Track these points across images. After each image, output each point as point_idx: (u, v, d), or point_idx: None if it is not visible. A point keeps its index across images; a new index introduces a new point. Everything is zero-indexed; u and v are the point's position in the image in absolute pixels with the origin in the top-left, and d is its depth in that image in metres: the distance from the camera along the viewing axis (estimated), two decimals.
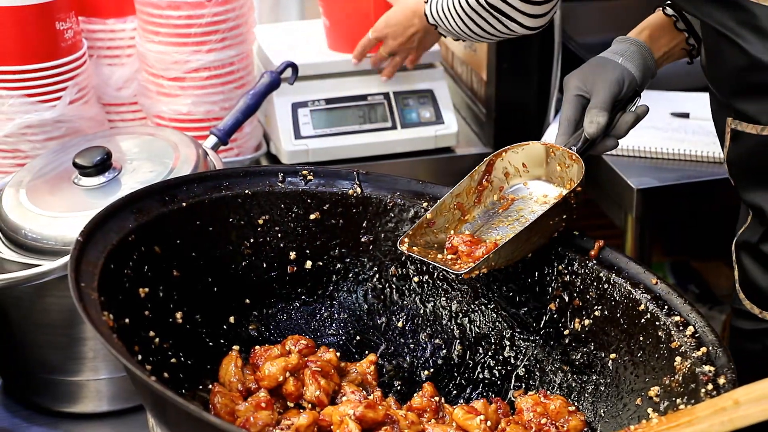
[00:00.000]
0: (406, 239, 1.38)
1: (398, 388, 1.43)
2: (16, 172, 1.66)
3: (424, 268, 1.46)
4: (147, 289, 1.30)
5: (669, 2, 1.58)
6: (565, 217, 1.36)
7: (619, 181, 1.91)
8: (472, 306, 1.44)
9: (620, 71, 1.51)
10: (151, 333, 1.29)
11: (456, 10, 1.67)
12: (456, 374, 1.43)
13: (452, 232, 1.41)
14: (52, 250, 1.49)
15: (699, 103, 2.07)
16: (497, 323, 1.42)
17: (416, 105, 2.04)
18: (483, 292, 1.44)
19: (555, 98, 2.08)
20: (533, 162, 1.44)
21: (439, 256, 1.38)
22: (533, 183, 1.45)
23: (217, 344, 1.37)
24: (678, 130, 2.02)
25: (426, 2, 1.76)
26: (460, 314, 1.45)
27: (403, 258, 1.47)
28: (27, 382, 1.58)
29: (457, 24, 1.68)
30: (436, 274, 1.46)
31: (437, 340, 1.45)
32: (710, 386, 1.17)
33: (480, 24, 1.65)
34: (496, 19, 1.61)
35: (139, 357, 1.22)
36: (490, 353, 1.42)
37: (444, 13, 1.71)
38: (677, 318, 1.27)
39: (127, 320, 1.23)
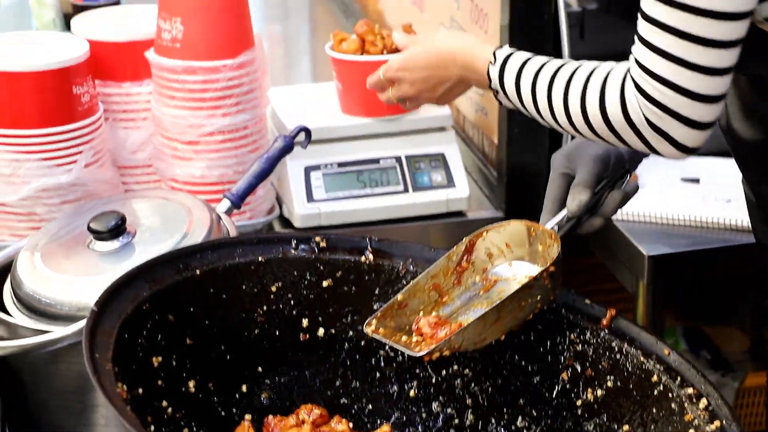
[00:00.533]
0: (374, 321, 1.36)
1: None
2: (31, 236, 1.67)
3: None
4: (160, 358, 1.30)
5: None
6: (539, 297, 1.34)
7: (630, 247, 1.91)
8: (485, 375, 1.44)
9: (605, 148, 1.46)
10: (164, 403, 1.29)
11: (557, 109, 1.39)
12: None
13: (421, 313, 1.39)
14: (65, 316, 1.50)
15: (710, 168, 2.08)
16: (510, 392, 1.42)
17: (428, 168, 2.04)
18: (495, 361, 1.43)
19: None
20: (516, 242, 1.42)
21: (404, 338, 1.36)
22: (517, 263, 1.43)
23: (229, 413, 1.37)
24: (689, 195, 2.02)
25: (493, 63, 1.48)
26: (473, 383, 1.44)
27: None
28: None
29: (544, 114, 1.43)
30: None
31: (449, 410, 1.45)
32: None
33: (604, 137, 1.37)
34: (641, 136, 1.32)
35: (152, 428, 1.22)
36: (502, 423, 1.42)
37: (524, 95, 1.44)
38: (690, 390, 1.27)
39: (140, 390, 1.24)
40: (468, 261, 1.43)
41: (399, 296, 1.39)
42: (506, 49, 1.49)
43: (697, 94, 1.25)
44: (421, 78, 1.61)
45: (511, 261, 1.43)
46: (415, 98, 1.66)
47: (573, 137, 1.46)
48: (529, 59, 1.45)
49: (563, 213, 1.44)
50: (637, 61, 1.27)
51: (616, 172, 1.49)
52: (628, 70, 1.29)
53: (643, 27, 1.26)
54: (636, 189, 1.51)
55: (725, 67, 1.25)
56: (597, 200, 1.46)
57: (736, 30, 1.23)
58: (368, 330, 1.36)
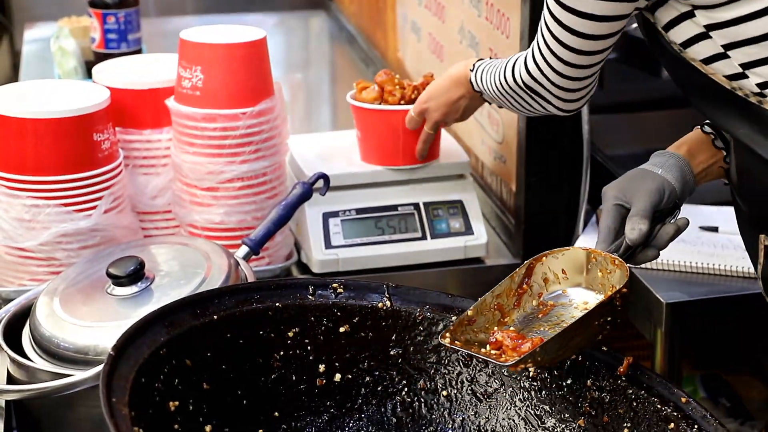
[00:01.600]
0: (447, 334, 1.38)
1: None
2: (51, 281, 1.68)
3: (453, 383, 1.47)
4: (177, 402, 1.30)
5: (707, 121, 1.59)
6: (609, 319, 1.35)
7: (649, 295, 1.91)
8: (501, 420, 1.44)
9: (660, 181, 1.52)
10: None
11: (497, 85, 1.74)
12: None
13: (495, 328, 1.40)
14: (84, 360, 1.51)
15: (728, 216, 2.07)
16: None
17: (446, 215, 2.05)
18: (511, 406, 1.44)
19: (584, 209, 2.08)
20: (573, 268, 1.44)
21: (482, 350, 1.37)
22: (573, 290, 1.44)
23: None
24: (707, 244, 2.02)
25: (472, 70, 1.83)
26: (489, 428, 1.44)
27: (432, 371, 1.47)
28: None
29: (498, 97, 1.76)
30: (464, 387, 1.47)
31: None
32: None
33: (519, 101, 1.72)
34: (533, 99, 1.68)
35: None
36: None
37: (488, 85, 1.78)
38: None
39: None
40: (527, 284, 1.45)
41: (469, 312, 1.40)
42: (481, 61, 1.84)
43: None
44: (443, 103, 1.92)
45: (566, 288, 1.45)
46: (444, 121, 1.96)
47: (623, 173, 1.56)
48: (491, 62, 1.80)
49: (620, 242, 1.47)
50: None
51: (668, 205, 1.52)
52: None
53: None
54: (687, 223, 1.53)
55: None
56: (650, 232, 1.47)
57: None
58: (444, 341, 1.37)
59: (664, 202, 1.51)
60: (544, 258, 1.45)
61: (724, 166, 1.58)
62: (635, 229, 1.45)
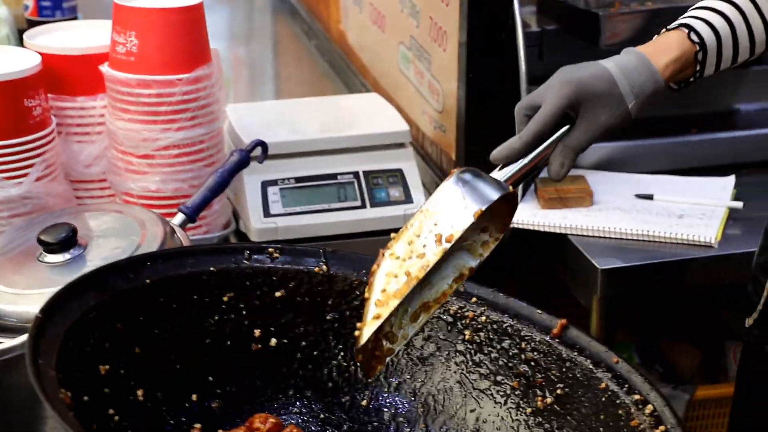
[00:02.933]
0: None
1: None
2: None
3: None
4: (107, 366, 1.28)
5: (693, 26, 1.47)
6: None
7: (584, 261, 1.92)
8: (437, 384, 1.44)
9: (620, 114, 1.41)
10: (111, 411, 1.27)
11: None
12: None
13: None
14: (14, 328, 1.48)
15: (662, 185, 2.10)
16: (461, 399, 1.42)
17: (386, 184, 2.05)
18: (447, 369, 1.44)
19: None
20: None
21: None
22: None
23: (178, 422, 1.35)
24: (642, 211, 2.04)
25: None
26: (425, 391, 1.44)
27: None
28: None
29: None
30: (400, 351, 1.46)
31: (401, 419, 1.44)
32: None
33: None
34: None
35: None
36: (453, 429, 1.42)
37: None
38: (637, 396, 1.27)
39: (86, 398, 1.22)
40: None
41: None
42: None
43: None
44: None
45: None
46: None
47: None
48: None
49: (523, 163, 1.38)
50: None
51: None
52: None
53: None
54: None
55: None
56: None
57: None
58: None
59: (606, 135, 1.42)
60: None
61: (686, 82, 1.49)
62: (564, 165, 1.38)
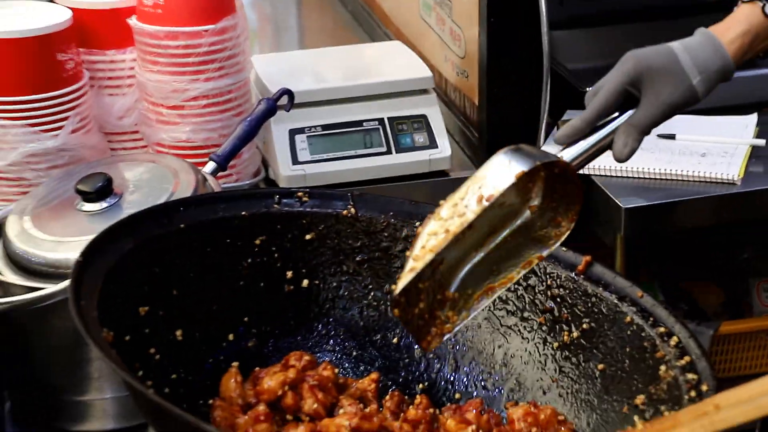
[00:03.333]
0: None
1: None
2: (20, 200, 1.68)
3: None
4: (147, 308, 1.32)
5: None
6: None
7: (608, 201, 1.92)
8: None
9: (684, 94, 1.39)
10: (152, 350, 1.31)
11: None
12: (450, 387, 1.45)
13: None
14: (55, 274, 1.50)
15: (684, 124, 2.09)
16: (489, 335, 1.44)
17: (411, 130, 2.05)
18: None
19: (545, 122, 2.09)
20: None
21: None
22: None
23: (216, 361, 1.39)
24: (664, 150, 2.03)
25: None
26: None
27: (397, 276, 1.48)
28: (35, 404, 1.59)
29: None
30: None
31: (431, 355, 1.47)
32: (693, 393, 1.19)
33: None
34: None
35: (140, 373, 1.24)
36: (482, 366, 1.44)
37: None
38: (662, 329, 1.29)
39: (127, 338, 1.25)
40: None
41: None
42: None
43: None
44: None
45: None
46: None
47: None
48: None
49: (588, 143, 1.39)
50: None
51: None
52: None
53: None
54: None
55: None
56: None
57: None
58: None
59: (672, 114, 1.41)
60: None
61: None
62: (627, 145, 1.37)
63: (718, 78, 1.42)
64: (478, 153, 2.14)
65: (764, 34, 1.44)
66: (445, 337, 1.35)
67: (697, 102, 1.43)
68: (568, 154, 1.39)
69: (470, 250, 1.37)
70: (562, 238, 1.36)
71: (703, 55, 1.42)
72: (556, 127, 2.11)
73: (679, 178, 1.96)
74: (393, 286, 1.33)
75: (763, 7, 1.44)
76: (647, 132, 1.40)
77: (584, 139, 1.41)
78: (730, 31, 1.44)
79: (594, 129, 1.41)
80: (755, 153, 2.05)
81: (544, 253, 1.36)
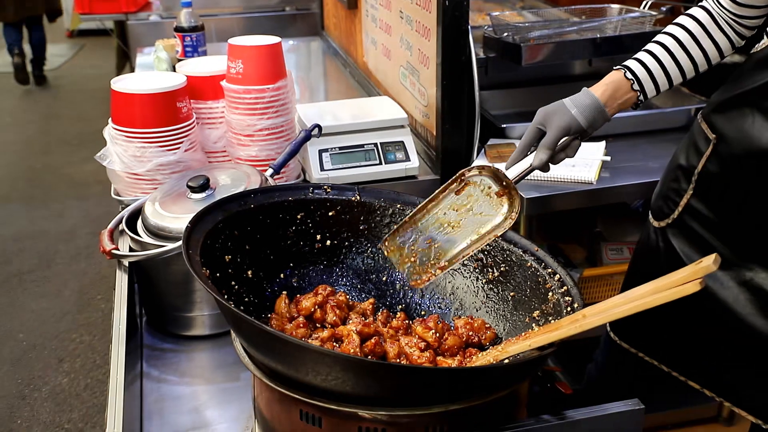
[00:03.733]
0: (386, 241, 1.35)
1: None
2: (153, 192, 1.64)
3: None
4: (230, 257, 1.28)
5: (625, 64, 1.38)
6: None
7: None
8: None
9: (569, 120, 1.35)
10: (233, 283, 1.27)
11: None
12: (418, 308, 1.41)
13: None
14: (174, 237, 1.48)
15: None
16: (443, 276, 1.40)
17: (394, 150, 2.01)
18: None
19: (476, 146, 2.06)
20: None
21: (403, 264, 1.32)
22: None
23: (272, 291, 1.35)
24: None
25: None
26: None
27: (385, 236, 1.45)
28: (162, 316, 1.56)
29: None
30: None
31: (407, 288, 1.43)
32: (569, 309, 1.16)
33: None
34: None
35: (226, 297, 1.20)
36: (438, 295, 1.40)
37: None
38: (549, 270, 1.26)
39: (218, 275, 1.22)
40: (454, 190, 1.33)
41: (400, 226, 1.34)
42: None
43: None
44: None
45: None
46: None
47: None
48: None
49: (527, 162, 1.36)
50: None
51: (572, 137, 1.38)
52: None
53: None
54: (576, 150, 1.40)
55: None
56: (550, 159, 1.38)
57: None
58: (383, 247, 1.32)
59: (569, 137, 1.37)
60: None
61: (636, 103, 1.41)
62: (540, 158, 1.34)
63: (592, 112, 1.38)
64: (435, 165, 2.10)
65: (624, 88, 1.40)
66: (427, 282, 1.32)
67: (582, 129, 1.38)
68: (511, 174, 1.36)
69: (448, 228, 1.34)
70: (510, 224, 1.31)
71: (579, 98, 1.40)
72: (483, 150, 2.07)
73: (559, 180, 1.93)
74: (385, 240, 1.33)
75: (624, 73, 1.40)
76: (551, 148, 1.37)
77: (519, 163, 1.40)
78: (600, 84, 1.42)
79: (524, 156, 1.40)
80: (604, 165, 2.02)
81: (499, 233, 1.31)
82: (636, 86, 1.39)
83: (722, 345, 1.42)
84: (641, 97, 1.40)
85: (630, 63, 1.41)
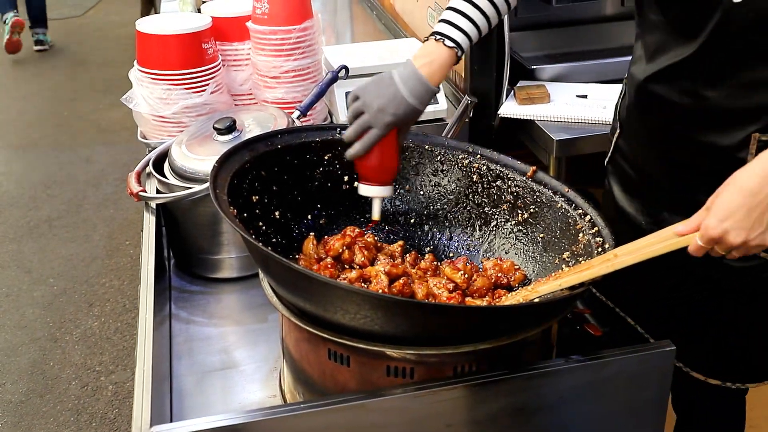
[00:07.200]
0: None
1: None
2: (179, 135, 1.64)
3: (422, 183, 1.43)
4: (257, 197, 1.27)
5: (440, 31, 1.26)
6: None
7: (544, 135, 1.87)
8: (456, 210, 1.41)
9: (388, 79, 1.25)
10: (260, 223, 1.27)
11: None
12: (446, 249, 1.40)
13: None
14: (201, 179, 1.48)
15: (593, 89, 2.02)
16: (472, 217, 1.39)
17: None
18: (463, 197, 1.40)
19: (505, 87, 2.02)
20: None
21: None
22: None
23: (300, 232, 1.35)
24: (580, 105, 1.96)
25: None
26: (449, 214, 1.42)
27: (412, 178, 1.43)
28: (189, 259, 1.57)
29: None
30: (427, 184, 1.42)
31: (435, 230, 1.42)
32: (600, 249, 1.15)
33: None
34: None
35: (254, 237, 1.20)
36: (466, 237, 1.40)
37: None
38: (580, 211, 1.25)
39: (245, 215, 1.22)
40: None
41: None
42: None
43: None
44: (743, 219, 1.03)
45: None
46: (745, 241, 1.04)
47: None
48: None
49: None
50: None
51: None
52: None
53: None
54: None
55: None
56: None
57: None
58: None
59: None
60: None
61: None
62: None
63: (407, 70, 1.26)
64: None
65: (448, 60, 1.26)
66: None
67: (405, 102, 1.24)
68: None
69: None
70: None
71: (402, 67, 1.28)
72: (513, 92, 2.03)
73: (589, 121, 1.90)
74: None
75: (443, 41, 1.26)
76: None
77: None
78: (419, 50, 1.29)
79: None
80: None
81: None
82: (459, 53, 1.27)
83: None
84: (460, 54, 1.28)
85: (444, 29, 1.27)
